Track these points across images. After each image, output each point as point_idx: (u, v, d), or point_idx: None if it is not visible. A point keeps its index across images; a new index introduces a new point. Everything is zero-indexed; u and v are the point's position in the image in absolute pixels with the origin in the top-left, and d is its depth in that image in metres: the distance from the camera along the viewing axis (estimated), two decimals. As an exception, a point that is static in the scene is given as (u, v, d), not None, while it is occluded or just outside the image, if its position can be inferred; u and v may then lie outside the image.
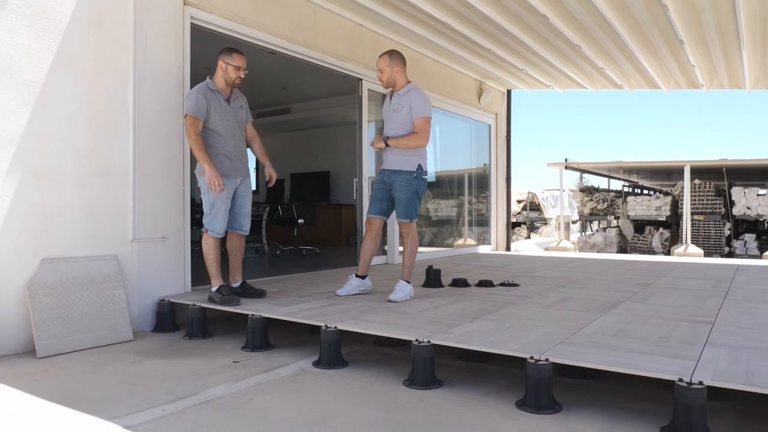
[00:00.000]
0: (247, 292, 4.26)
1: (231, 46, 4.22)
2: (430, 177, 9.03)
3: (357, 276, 4.40)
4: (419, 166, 4.23)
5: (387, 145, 4.23)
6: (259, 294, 4.27)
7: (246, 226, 4.26)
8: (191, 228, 4.68)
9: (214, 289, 4.06)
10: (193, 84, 4.58)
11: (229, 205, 4.10)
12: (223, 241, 4.21)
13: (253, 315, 3.61)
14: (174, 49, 4.42)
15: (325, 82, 8.55)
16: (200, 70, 7.53)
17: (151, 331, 4.14)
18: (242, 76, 4.11)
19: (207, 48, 6.29)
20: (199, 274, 4.54)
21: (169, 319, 4.14)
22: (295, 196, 12.04)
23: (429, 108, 4.20)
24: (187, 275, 4.53)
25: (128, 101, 4.08)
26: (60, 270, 3.64)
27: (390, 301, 4.08)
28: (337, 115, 10.92)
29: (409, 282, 4.23)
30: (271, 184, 4.36)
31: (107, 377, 3.01)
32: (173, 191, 4.41)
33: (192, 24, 4.59)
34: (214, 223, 4.03)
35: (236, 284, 4.27)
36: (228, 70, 4.06)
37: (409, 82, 4.30)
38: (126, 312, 3.87)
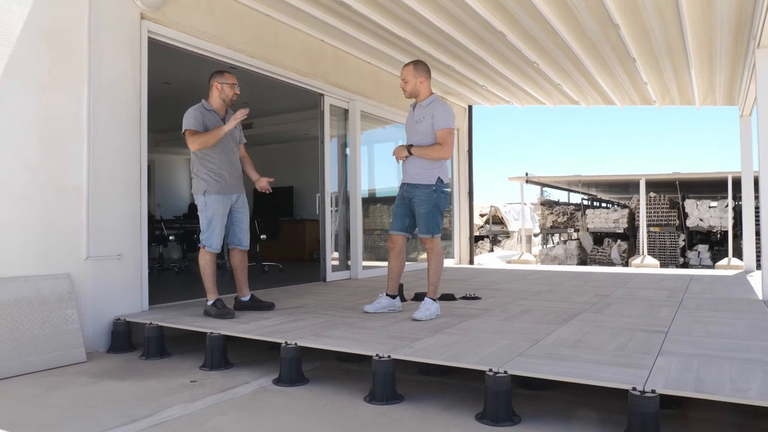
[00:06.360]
0: (256, 305, 4.39)
1: (220, 69, 4.38)
2: (393, 191, 9.06)
3: (387, 295, 4.29)
4: (439, 179, 4.08)
5: (410, 153, 4.08)
6: (268, 307, 4.40)
7: (246, 241, 4.39)
8: (149, 245, 4.59)
9: (209, 302, 4.13)
10: (150, 98, 4.54)
11: (225, 222, 4.24)
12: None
13: (211, 333, 3.54)
14: (131, 63, 4.35)
15: (288, 97, 8.52)
16: (159, 84, 7.47)
17: (106, 351, 4.02)
18: (237, 92, 4.28)
19: (167, 62, 6.23)
20: (156, 292, 4.43)
21: (124, 338, 4.02)
22: (258, 211, 11.89)
23: (452, 119, 4.05)
24: (144, 293, 4.42)
25: (83, 115, 3.99)
26: (9, 290, 3.50)
27: (414, 319, 3.89)
28: (300, 130, 10.88)
29: (435, 300, 4.07)
30: (268, 190, 4.57)
31: (58, 400, 2.90)
32: (130, 207, 4.32)
33: (150, 38, 4.53)
34: (212, 239, 4.15)
35: (245, 298, 4.39)
36: (224, 88, 4.20)
37: (432, 93, 4.16)
38: (79, 332, 3.75)
